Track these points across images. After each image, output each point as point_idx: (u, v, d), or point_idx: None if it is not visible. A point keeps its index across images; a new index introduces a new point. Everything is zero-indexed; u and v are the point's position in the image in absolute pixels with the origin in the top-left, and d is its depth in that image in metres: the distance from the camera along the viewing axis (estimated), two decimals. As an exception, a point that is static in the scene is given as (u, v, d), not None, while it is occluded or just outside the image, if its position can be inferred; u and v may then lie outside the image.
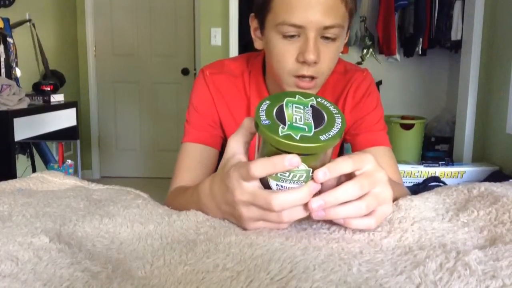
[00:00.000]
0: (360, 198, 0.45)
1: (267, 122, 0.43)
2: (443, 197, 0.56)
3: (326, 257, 0.38)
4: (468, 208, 0.50)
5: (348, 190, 0.44)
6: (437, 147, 3.63)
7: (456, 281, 0.33)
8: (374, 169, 0.46)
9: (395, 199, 0.54)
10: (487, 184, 0.57)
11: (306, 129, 0.43)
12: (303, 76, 0.73)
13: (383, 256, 0.39)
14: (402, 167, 2.65)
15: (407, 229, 0.46)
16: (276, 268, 0.35)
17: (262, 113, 0.44)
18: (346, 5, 0.70)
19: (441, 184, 2.61)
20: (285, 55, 0.72)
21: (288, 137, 0.41)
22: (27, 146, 2.82)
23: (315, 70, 0.72)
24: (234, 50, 3.16)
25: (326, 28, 0.69)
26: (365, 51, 3.66)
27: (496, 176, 2.58)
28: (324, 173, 0.43)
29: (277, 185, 0.45)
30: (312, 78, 0.73)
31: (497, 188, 0.55)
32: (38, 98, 2.51)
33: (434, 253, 0.38)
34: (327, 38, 0.71)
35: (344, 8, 0.70)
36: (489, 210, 0.49)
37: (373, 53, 3.67)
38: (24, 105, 2.20)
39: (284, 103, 0.45)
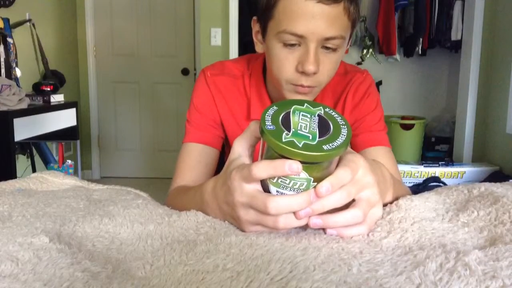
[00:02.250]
0: (354, 205, 0.45)
1: (271, 127, 0.43)
2: (443, 197, 0.56)
3: (326, 257, 0.38)
4: (468, 208, 0.50)
5: (335, 197, 0.44)
6: (437, 147, 3.63)
7: (456, 282, 0.33)
8: (362, 175, 0.46)
9: (396, 198, 0.55)
10: (487, 184, 0.57)
11: (310, 138, 0.42)
12: (301, 86, 0.73)
13: (383, 256, 0.39)
14: (402, 167, 2.65)
15: (407, 229, 0.46)
16: (276, 268, 0.35)
17: (268, 118, 0.44)
18: (349, 16, 0.69)
19: (441, 184, 2.61)
20: (284, 63, 0.72)
21: (290, 143, 0.41)
22: (27, 146, 2.82)
23: (313, 80, 0.72)
24: (234, 50, 3.16)
25: (328, 39, 0.68)
26: (365, 51, 3.66)
27: (496, 176, 2.58)
28: (327, 189, 0.43)
29: (277, 191, 0.45)
30: (310, 86, 0.74)
31: (497, 188, 0.55)
32: (38, 98, 2.51)
33: (434, 253, 0.38)
34: (327, 48, 0.70)
35: (347, 19, 0.69)
36: (489, 210, 0.49)
37: (373, 53, 3.67)
38: (24, 105, 2.20)
39: (291, 110, 0.45)
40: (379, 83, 3.75)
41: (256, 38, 0.81)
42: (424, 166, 2.71)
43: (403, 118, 3.59)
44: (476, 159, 2.96)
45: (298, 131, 0.43)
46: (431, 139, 3.64)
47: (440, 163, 2.75)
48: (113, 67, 3.89)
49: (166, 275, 0.36)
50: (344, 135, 0.44)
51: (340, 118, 0.47)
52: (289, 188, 0.44)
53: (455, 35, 3.28)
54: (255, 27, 0.80)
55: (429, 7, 3.36)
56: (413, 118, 3.56)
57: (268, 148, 0.44)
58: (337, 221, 0.45)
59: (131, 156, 4.02)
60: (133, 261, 0.40)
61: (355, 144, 0.89)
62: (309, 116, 0.45)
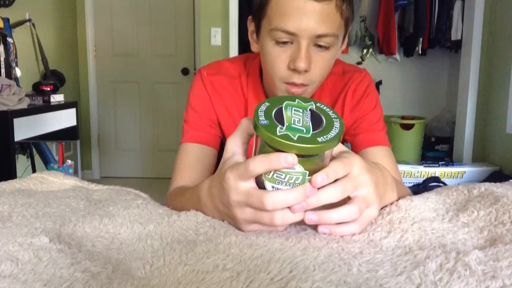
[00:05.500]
0: (350, 202, 0.46)
1: (265, 122, 0.43)
2: (443, 197, 0.56)
3: (326, 257, 0.38)
4: (468, 208, 0.50)
5: (330, 192, 0.44)
6: (437, 147, 3.63)
7: (456, 282, 0.33)
8: (358, 173, 0.46)
9: (398, 199, 0.55)
10: (487, 184, 0.57)
11: (304, 131, 0.43)
12: (294, 84, 0.73)
13: (383, 256, 0.39)
14: (402, 167, 2.65)
15: (407, 229, 0.46)
16: (276, 268, 0.35)
17: (261, 113, 0.44)
18: (342, 14, 0.69)
19: (441, 184, 2.61)
20: (277, 61, 0.72)
21: (285, 137, 0.42)
22: (27, 146, 2.82)
23: (305, 78, 0.72)
24: (234, 50, 3.16)
25: (319, 36, 0.69)
26: (365, 51, 3.66)
27: (496, 176, 2.58)
28: (322, 178, 0.43)
29: (272, 187, 0.45)
30: (303, 84, 0.73)
31: (497, 188, 0.55)
32: (38, 98, 2.51)
33: (434, 254, 0.38)
34: (320, 46, 0.70)
35: (339, 17, 0.69)
36: (489, 211, 0.49)
37: (373, 53, 3.67)
38: (24, 105, 2.20)
39: (283, 106, 0.46)
40: (379, 83, 3.75)
41: (252, 37, 0.81)
42: (424, 166, 2.71)
43: (403, 118, 3.59)
44: (476, 159, 2.96)
45: (292, 125, 0.43)
46: (431, 139, 3.64)
47: (440, 163, 2.75)
48: (113, 67, 3.89)
49: (166, 275, 0.36)
50: (337, 128, 0.44)
51: (331, 112, 0.47)
52: (284, 183, 0.44)
53: (455, 35, 3.28)
54: (251, 26, 0.80)
55: (429, 7, 3.36)
56: (413, 118, 3.56)
57: (262, 144, 0.45)
58: (332, 217, 0.45)
59: (131, 156, 4.02)
60: (133, 261, 0.40)
61: (355, 144, 0.88)
62: (301, 111, 0.46)
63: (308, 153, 0.42)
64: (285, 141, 0.41)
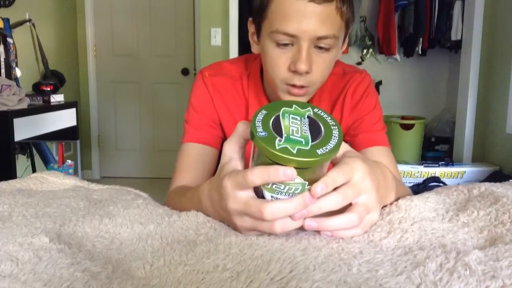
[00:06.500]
0: (350, 209, 0.45)
1: (263, 134, 0.42)
2: (443, 197, 0.56)
3: (326, 257, 0.38)
4: (468, 208, 0.50)
5: (331, 199, 0.44)
6: (437, 147, 3.63)
7: (456, 282, 0.33)
8: (360, 179, 0.46)
9: (397, 199, 0.55)
10: (487, 184, 0.57)
11: (303, 142, 0.42)
12: (294, 85, 0.73)
13: (383, 256, 0.39)
14: (402, 167, 2.65)
15: (407, 229, 0.46)
16: (276, 268, 0.35)
17: (259, 123, 0.44)
18: (342, 15, 0.69)
19: (441, 184, 2.61)
20: (277, 63, 0.72)
21: (285, 150, 0.41)
22: (27, 146, 2.82)
23: (306, 80, 0.72)
24: (234, 50, 3.16)
25: (320, 38, 0.69)
26: (365, 51, 3.66)
27: (496, 176, 2.58)
28: (322, 188, 0.43)
29: (271, 197, 0.45)
30: (303, 86, 0.74)
31: (497, 188, 0.55)
32: (38, 98, 2.51)
33: (434, 254, 0.38)
34: (320, 48, 0.70)
35: (339, 18, 0.69)
36: (489, 210, 0.49)
37: (373, 53, 3.67)
38: (24, 105, 2.20)
39: (280, 113, 0.45)
40: (379, 83, 3.75)
41: (252, 39, 0.81)
42: (424, 166, 2.71)
43: (403, 118, 3.58)
44: (476, 159, 2.96)
45: (291, 136, 0.42)
46: (431, 139, 3.64)
47: (440, 163, 2.75)
48: (113, 67, 3.89)
49: (166, 275, 0.36)
50: (336, 137, 0.44)
51: (329, 118, 0.46)
52: (284, 193, 0.44)
53: (455, 35, 3.28)
54: (251, 28, 0.80)
55: (429, 7, 3.36)
56: (413, 118, 3.56)
57: (260, 153, 0.44)
58: (331, 225, 0.44)
59: (131, 156, 4.02)
60: (133, 261, 0.40)
61: (355, 144, 0.88)
62: (299, 118, 0.45)
63: (308, 166, 0.42)
64: (285, 156, 0.40)
